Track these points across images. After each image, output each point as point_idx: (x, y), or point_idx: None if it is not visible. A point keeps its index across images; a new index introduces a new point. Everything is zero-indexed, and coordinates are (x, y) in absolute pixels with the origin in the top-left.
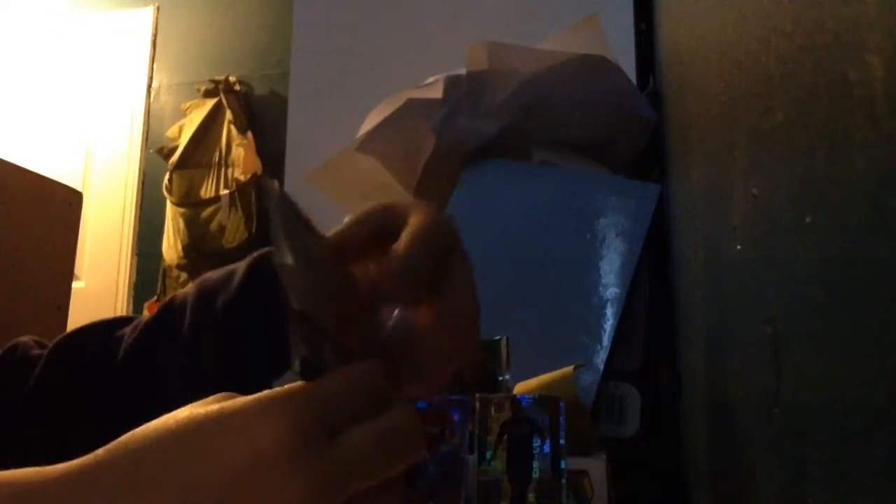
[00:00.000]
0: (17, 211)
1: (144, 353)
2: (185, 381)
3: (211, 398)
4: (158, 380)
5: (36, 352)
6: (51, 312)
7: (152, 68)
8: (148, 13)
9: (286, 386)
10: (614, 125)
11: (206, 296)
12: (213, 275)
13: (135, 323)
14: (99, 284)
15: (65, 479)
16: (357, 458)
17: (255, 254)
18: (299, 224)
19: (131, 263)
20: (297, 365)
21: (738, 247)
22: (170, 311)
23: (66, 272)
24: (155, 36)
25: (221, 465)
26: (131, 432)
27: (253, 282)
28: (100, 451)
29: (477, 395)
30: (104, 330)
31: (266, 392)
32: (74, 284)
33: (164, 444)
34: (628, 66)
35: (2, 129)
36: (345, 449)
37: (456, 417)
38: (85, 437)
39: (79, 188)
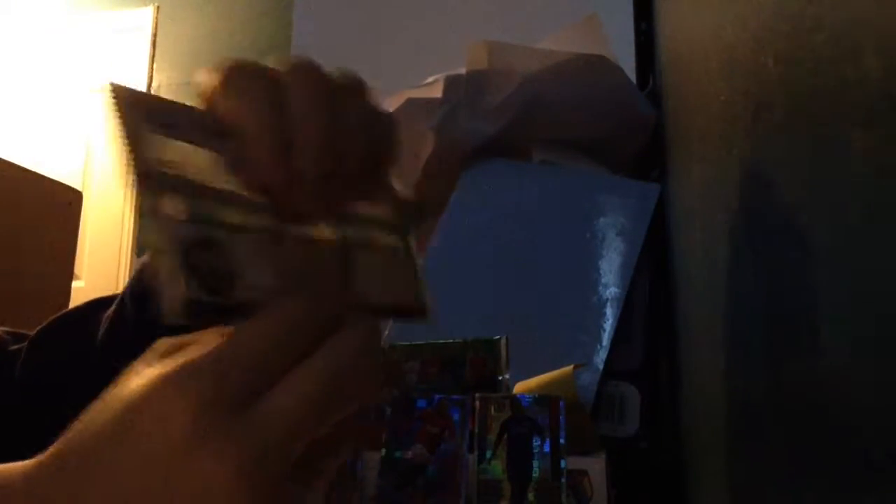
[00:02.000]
0: (17, 211)
1: (122, 341)
2: None
3: (150, 355)
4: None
5: (13, 347)
6: (51, 312)
7: (152, 68)
8: (148, 13)
9: (185, 352)
10: (614, 125)
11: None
12: None
13: (117, 301)
14: (99, 284)
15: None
16: (282, 421)
17: None
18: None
19: (131, 263)
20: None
21: (737, 246)
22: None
23: (66, 272)
24: (155, 35)
25: (143, 459)
26: (75, 429)
27: None
28: (43, 456)
29: (477, 395)
30: (87, 314)
31: (175, 361)
32: (74, 284)
33: (92, 444)
34: (628, 65)
35: (2, 129)
36: (264, 414)
37: (456, 417)
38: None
39: (79, 188)
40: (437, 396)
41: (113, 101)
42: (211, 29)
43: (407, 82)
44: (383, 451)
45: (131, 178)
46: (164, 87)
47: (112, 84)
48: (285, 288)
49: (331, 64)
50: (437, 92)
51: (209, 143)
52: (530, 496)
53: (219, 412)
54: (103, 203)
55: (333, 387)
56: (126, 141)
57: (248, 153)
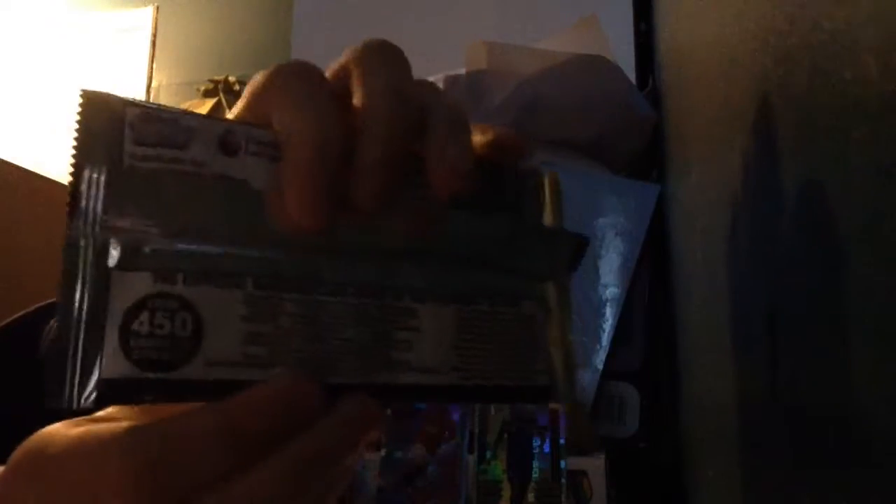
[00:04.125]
0: (17, 211)
1: None
2: None
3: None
4: None
5: None
6: None
7: (152, 68)
8: (148, 13)
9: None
10: (614, 125)
11: None
12: None
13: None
14: None
15: None
16: None
17: None
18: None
19: None
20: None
21: (737, 246)
22: None
23: None
24: (155, 36)
25: None
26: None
27: None
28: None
29: None
30: (33, 323)
31: (103, 430)
32: None
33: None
34: (628, 66)
35: (2, 129)
36: None
37: (456, 417)
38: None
39: None
40: None
41: (84, 110)
42: (211, 29)
43: None
44: (383, 451)
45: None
46: (164, 87)
47: (85, 91)
48: (270, 361)
49: (331, 63)
50: None
51: (221, 163)
52: (530, 496)
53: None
54: None
55: (290, 492)
56: (80, 152)
57: (301, 158)
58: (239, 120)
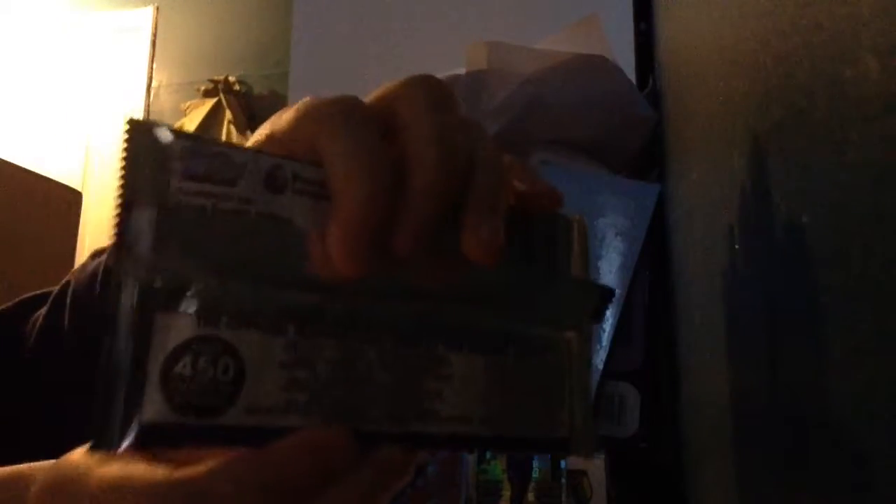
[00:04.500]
0: (17, 211)
1: (55, 349)
2: None
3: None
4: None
5: None
6: None
7: (152, 68)
8: (148, 13)
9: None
10: (614, 125)
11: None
12: None
13: (50, 302)
14: None
15: None
16: None
17: None
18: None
19: None
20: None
21: (737, 246)
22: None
23: (65, 272)
24: (155, 36)
25: None
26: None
27: None
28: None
29: None
30: (16, 315)
31: (132, 474)
32: None
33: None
34: (628, 66)
35: (2, 129)
36: None
37: None
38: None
39: (78, 188)
40: None
41: (130, 142)
42: (211, 29)
43: None
44: None
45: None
46: (164, 87)
47: (132, 120)
48: (308, 408)
49: (331, 64)
50: None
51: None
52: (530, 496)
53: None
54: (103, 203)
55: None
56: (127, 182)
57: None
58: (285, 154)
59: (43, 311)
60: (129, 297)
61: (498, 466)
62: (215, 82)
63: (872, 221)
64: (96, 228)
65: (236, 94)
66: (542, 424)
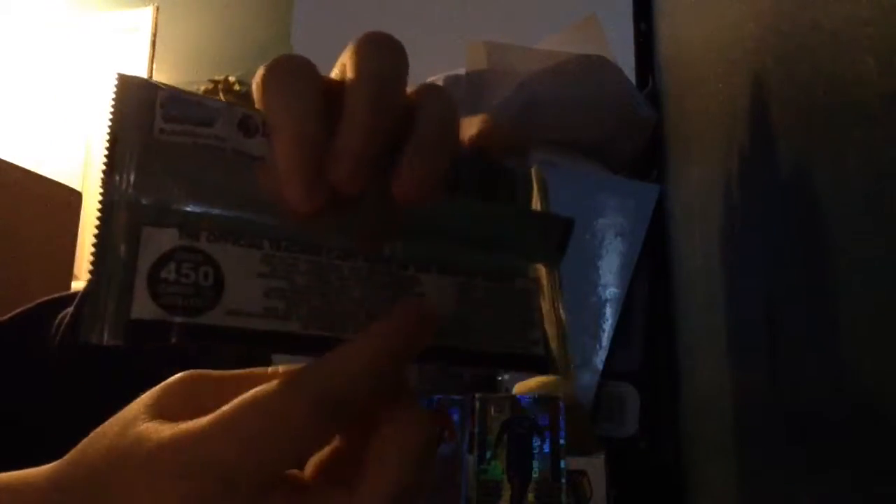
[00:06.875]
0: (17, 211)
1: (78, 348)
2: None
3: (158, 398)
4: None
5: None
6: None
7: (152, 68)
8: (148, 13)
9: (192, 426)
10: (614, 125)
11: None
12: None
13: (76, 303)
14: None
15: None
16: None
17: None
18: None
19: None
20: None
21: (736, 246)
22: None
23: (66, 272)
24: (155, 36)
25: None
26: (76, 461)
27: None
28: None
29: (477, 395)
30: (40, 317)
31: (176, 440)
32: (74, 284)
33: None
34: (628, 66)
35: (2, 129)
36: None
37: (456, 417)
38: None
39: (78, 188)
40: (436, 396)
41: (119, 90)
42: (211, 29)
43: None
44: None
45: (106, 158)
46: None
47: (121, 74)
48: (286, 314)
49: (331, 64)
50: None
51: (238, 143)
52: (530, 496)
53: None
54: None
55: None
56: (116, 122)
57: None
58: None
59: (70, 309)
60: (117, 213)
61: (498, 466)
62: (215, 82)
63: (873, 221)
64: None
65: (236, 94)
66: (518, 343)
